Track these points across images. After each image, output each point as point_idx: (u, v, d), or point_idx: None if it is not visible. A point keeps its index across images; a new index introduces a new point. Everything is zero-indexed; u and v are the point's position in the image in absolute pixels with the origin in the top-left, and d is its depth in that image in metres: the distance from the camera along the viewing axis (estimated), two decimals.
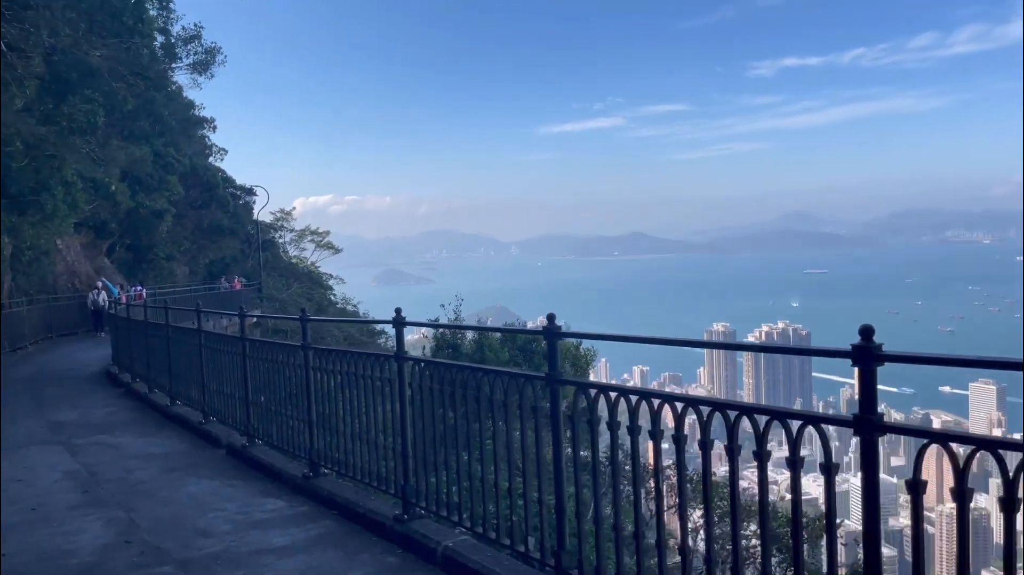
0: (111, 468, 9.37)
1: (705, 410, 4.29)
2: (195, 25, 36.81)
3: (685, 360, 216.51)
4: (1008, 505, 3.20)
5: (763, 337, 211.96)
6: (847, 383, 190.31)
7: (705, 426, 4.23)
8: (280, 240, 62.13)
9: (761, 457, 3.99)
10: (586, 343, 18.06)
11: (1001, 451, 3.13)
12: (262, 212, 52.68)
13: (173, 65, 35.16)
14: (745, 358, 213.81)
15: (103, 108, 20.30)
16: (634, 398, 4.69)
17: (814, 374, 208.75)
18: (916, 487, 3.46)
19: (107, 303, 27.45)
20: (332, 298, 55.65)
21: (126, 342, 17.04)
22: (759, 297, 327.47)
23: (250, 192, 46.74)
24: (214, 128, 47.14)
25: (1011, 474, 3.12)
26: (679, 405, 4.41)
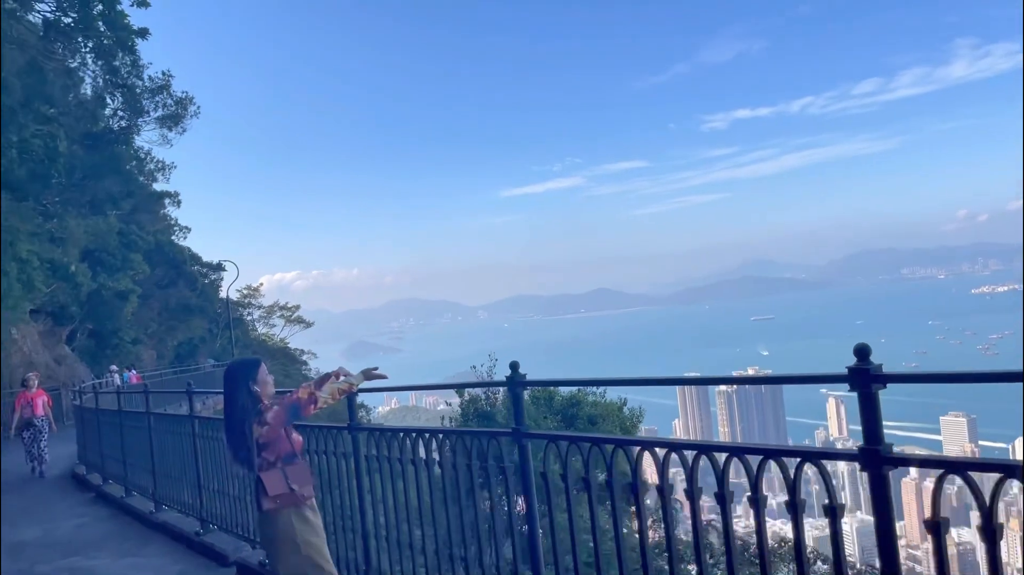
0: None
1: (690, 454, 3.78)
2: (164, 74, 34.14)
3: (660, 414, 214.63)
4: None
5: (734, 385, 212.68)
6: (821, 424, 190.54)
7: (691, 473, 3.74)
8: (248, 317, 59.84)
9: (757, 502, 3.60)
10: (631, 402, 16.30)
11: None
12: (229, 288, 50.44)
13: (139, 120, 32.89)
14: (719, 407, 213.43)
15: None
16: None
17: (788, 418, 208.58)
18: (938, 528, 3.02)
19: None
20: (306, 374, 53.19)
21: (95, 436, 14.85)
22: (726, 345, 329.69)
23: (218, 268, 44.53)
24: (178, 203, 44.87)
25: None
26: (660, 451, 3.95)
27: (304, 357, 60.18)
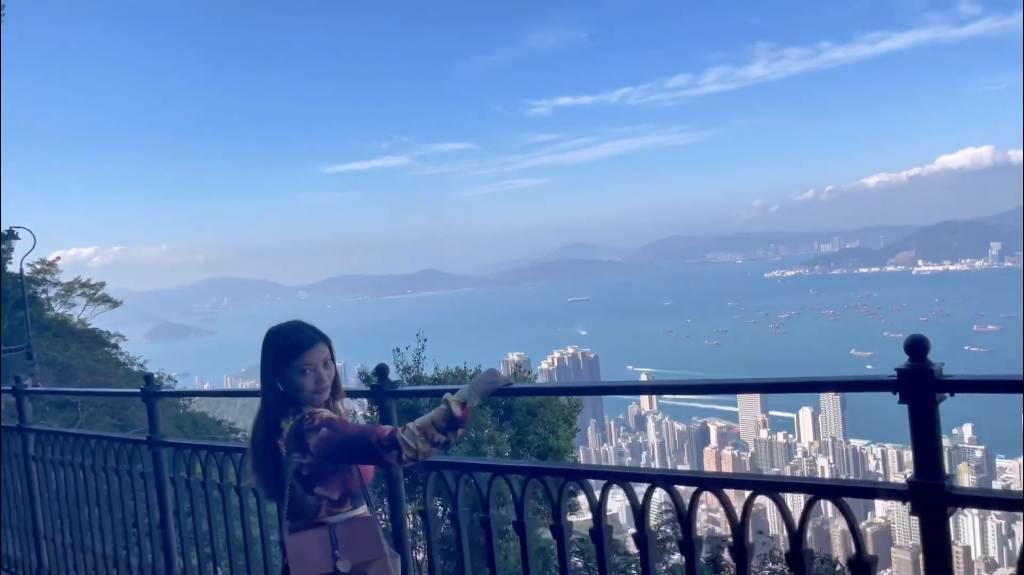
0: None
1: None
2: None
3: None
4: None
5: (555, 363, 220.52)
6: (634, 400, 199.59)
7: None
8: (43, 295, 52.52)
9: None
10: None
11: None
12: (23, 260, 43.48)
13: None
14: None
15: None
16: None
17: (604, 397, 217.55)
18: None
19: None
20: (119, 358, 47.47)
21: None
22: (547, 325, 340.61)
23: (10, 236, 37.78)
24: None
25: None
26: None
27: (113, 339, 53.96)
